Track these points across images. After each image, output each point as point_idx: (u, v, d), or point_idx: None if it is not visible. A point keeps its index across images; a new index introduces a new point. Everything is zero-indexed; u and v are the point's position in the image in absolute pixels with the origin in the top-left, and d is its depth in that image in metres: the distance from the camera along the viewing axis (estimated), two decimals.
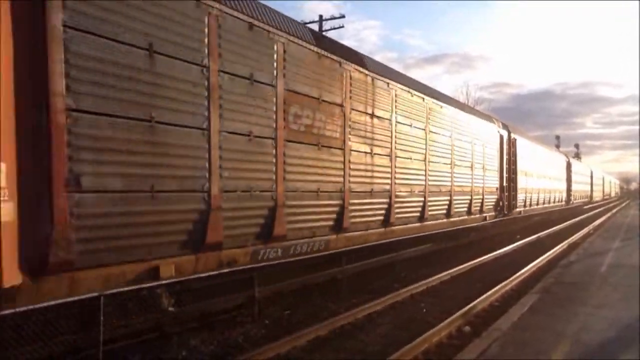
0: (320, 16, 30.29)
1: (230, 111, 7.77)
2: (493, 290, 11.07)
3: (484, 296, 10.46)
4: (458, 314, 9.00)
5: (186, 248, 7.27)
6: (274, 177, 8.69)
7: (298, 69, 9.24)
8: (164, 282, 7.12)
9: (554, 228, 27.71)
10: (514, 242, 20.09)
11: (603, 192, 75.24)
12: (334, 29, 30.07)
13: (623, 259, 15.80)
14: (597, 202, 62.58)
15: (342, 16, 30.31)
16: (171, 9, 6.90)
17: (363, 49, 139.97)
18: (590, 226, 29.83)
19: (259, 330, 8.45)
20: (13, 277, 5.29)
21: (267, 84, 8.54)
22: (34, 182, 5.55)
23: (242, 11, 8.03)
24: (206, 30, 7.41)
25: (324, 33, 29.50)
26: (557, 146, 64.72)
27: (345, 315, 8.96)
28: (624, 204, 76.14)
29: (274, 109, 8.67)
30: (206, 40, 7.41)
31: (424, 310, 10.00)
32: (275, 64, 8.70)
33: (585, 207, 48.81)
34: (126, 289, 6.82)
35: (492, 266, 15.26)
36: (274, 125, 8.67)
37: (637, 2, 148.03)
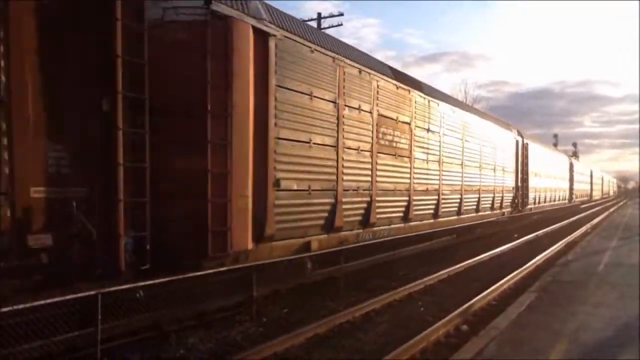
0: (319, 14, 30.27)
1: (348, 133, 10.94)
2: (491, 288, 11.08)
3: (482, 295, 10.47)
4: (456, 312, 9.01)
5: (323, 230, 10.43)
6: (370, 180, 11.83)
7: (385, 99, 12.50)
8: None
9: (554, 226, 28.17)
10: (513, 241, 20.14)
11: (602, 191, 77.69)
12: (333, 27, 30.04)
13: (621, 258, 15.83)
14: (596, 200, 64.18)
15: (341, 14, 30.32)
16: (320, 65, 10.11)
17: (362, 47, 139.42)
18: (589, 225, 29.88)
19: (257, 328, 8.46)
20: (250, 244, 8.50)
21: (368, 112, 11.73)
22: (259, 185, 8.60)
23: (357, 61, 11.44)
24: (337, 78, 10.62)
25: (322, 30, 29.51)
26: (555, 145, 64.89)
27: (344, 314, 8.97)
28: (621, 203, 76.29)
29: (371, 129, 11.85)
30: (337, 84, 10.60)
31: (422, 308, 10.01)
32: (372, 96, 11.91)
33: (584, 205, 49.16)
34: (121, 287, 6.86)
35: (491, 264, 15.30)
36: (371, 142, 11.83)
37: (636, 1, 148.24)
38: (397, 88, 13.07)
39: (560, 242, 20.37)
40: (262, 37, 8.59)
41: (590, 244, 20.01)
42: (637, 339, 7.30)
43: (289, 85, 9.30)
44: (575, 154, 75.43)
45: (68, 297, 6.25)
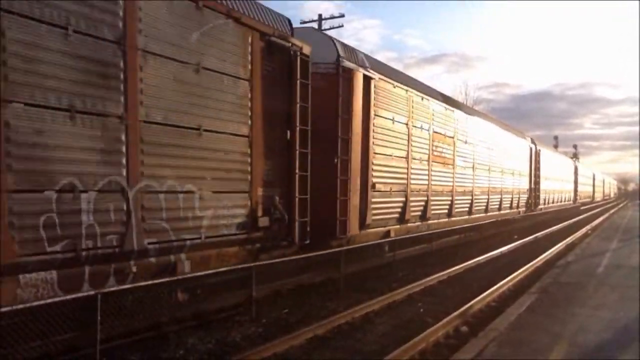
0: (320, 15, 30.29)
1: (414, 147, 14.43)
2: (490, 290, 11.08)
3: (482, 296, 10.47)
4: (455, 313, 9.01)
5: (397, 222, 13.91)
6: (427, 183, 15.32)
7: (437, 118, 16.11)
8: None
9: (557, 226, 28.91)
10: (513, 241, 20.16)
11: (603, 192, 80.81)
12: (333, 28, 30.04)
13: (621, 259, 15.82)
14: (597, 202, 66.78)
15: (342, 15, 30.33)
16: (399, 97, 13.72)
17: (363, 48, 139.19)
18: (589, 226, 29.87)
19: (257, 329, 8.45)
20: (357, 230, 11.94)
21: (427, 130, 15.30)
22: (363, 187, 12.02)
23: (420, 91, 15.03)
24: (408, 105, 14.18)
25: (323, 31, 29.51)
26: (556, 146, 65.03)
27: (343, 315, 8.96)
28: (621, 205, 76.27)
29: (428, 143, 15.40)
30: (408, 110, 14.17)
31: (422, 310, 10.01)
32: (429, 117, 15.48)
33: (586, 207, 49.43)
34: (123, 287, 6.87)
35: (495, 264, 15.31)
36: (428, 153, 15.38)
37: (637, 2, 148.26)
38: (445, 109, 16.92)
39: (561, 244, 20.36)
40: (367, 81, 12.20)
41: (590, 245, 19.99)
42: (637, 341, 7.31)
43: (381, 114, 12.86)
44: (575, 156, 75.60)
45: (68, 297, 6.26)
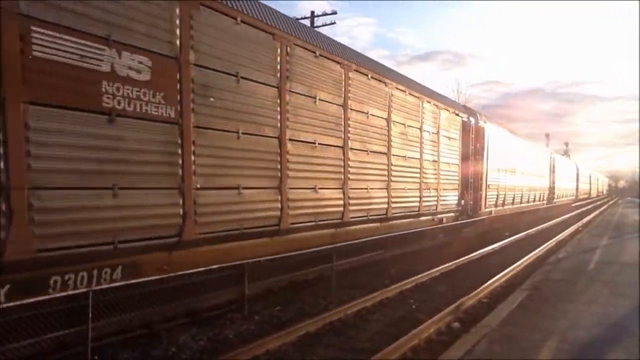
0: (312, 12, 30.19)
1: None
2: (482, 287, 11.11)
3: (473, 293, 10.50)
4: (447, 310, 9.03)
5: (494, 206, 22.02)
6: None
7: (502, 151, 23.69)
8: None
9: (556, 220, 30.14)
10: (504, 238, 20.24)
11: (597, 190, 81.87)
12: (326, 25, 29.97)
13: (611, 256, 15.93)
14: (591, 198, 68.31)
15: (334, 12, 30.29)
16: (490, 133, 21.13)
17: (355, 46, 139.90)
18: (580, 223, 30.03)
19: (249, 326, 8.45)
20: (485, 214, 21.39)
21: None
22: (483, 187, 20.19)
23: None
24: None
25: (316, 29, 29.44)
26: (547, 144, 65.33)
27: (335, 312, 8.97)
28: (612, 202, 76.75)
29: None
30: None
31: (414, 306, 10.04)
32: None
33: (579, 203, 49.97)
34: (113, 285, 6.85)
35: (482, 263, 15.35)
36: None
37: (627, 2, 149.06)
38: (532, 148, 32.06)
39: (552, 240, 20.47)
40: (482, 127, 20.57)
41: (581, 242, 20.12)
42: (627, 337, 7.36)
43: (493, 148, 21.68)
44: (566, 153, 76.08)
45: (59, 294, 6.23)
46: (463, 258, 15.12)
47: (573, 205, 48.26)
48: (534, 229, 25.11)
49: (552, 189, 38.21)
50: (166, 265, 7.66)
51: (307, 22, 29.56)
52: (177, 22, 7.71)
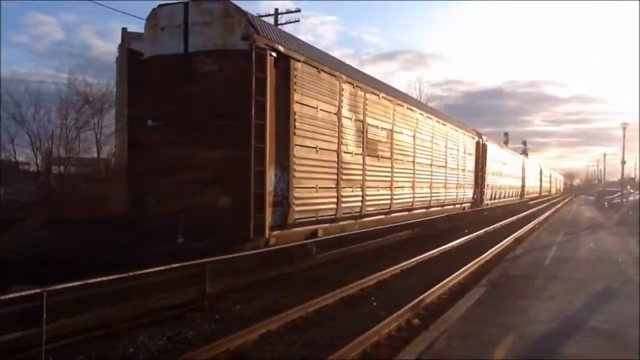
0: (276, 9, 30.12)
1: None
2: (442, 283, 11.27)
3: (433, 289, 10.64)
4: (407, 307, 9.12)
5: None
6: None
7: (495, 159, 33.47)
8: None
9: (518, 215, 32.55)
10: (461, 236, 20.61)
11: (556, 188, 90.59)
12: (290, 22, 29.93)
13: (566, 252, 16.41)
14: (551, 195, 74.96)
15: (298, 10, 30.26)
16: (470, 141, 27.80)
17: (320, 45, 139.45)
18: (536, 221, 30.81)
19: (210, 325, 8.36)
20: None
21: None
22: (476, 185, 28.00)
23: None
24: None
25: (279, 27, 29.34)
26: (506, 143, 66.87)
27: (297, 310, 8.96)
28: (567, 200, 79.00)
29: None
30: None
31: (375, 303, 10.11)
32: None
33: (533, 202, 51.69)
34: (68, 285, 6.70)
35: (443, 258, 15.57)
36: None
37: (583, 2, 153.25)
38: (506, 151, 40.24)
39: (510, 237, 20.91)
40: (485, 144, 29.92)
41: (538, 239, 20.64)
42: (581, 331, 7.58)
43: (489, 158, 30.35)
44: (525, 152, 78.00)
45: (12, 295, 6.08)
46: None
47: (536, 201, 55.85)
48: (503, 222, 25.74)
49: (523, 187, 46.78)
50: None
51: (270, 20, 29.46)
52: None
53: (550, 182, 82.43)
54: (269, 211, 10.70)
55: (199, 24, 10.65)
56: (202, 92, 10.45)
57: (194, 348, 7.03)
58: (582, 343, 7.05)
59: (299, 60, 11.65)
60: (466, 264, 13.70)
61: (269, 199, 10.72)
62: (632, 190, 43.26)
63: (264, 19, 29.17)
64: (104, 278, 7.32)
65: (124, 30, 71.94)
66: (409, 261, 14.21)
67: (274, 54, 10.83)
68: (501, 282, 11.28)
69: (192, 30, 10.64)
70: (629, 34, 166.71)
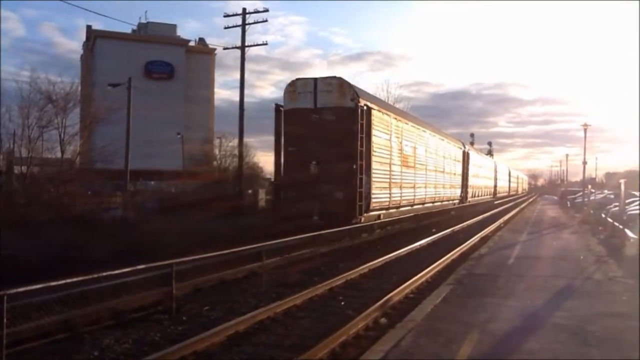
0: (244, 9, 29.87)
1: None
2: (409, 282, 11.38)
3: (400, 288, 10.74)
4: (375, 306, 9.19)
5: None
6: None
7: (477, 165, 44.39)
8: None
9: (487, 213, 33.90)
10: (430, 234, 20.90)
11: (517, 188, 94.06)
12: (257, 22, 29.78)
13: (529, 251, 16.76)
14: (512, 195, 77.67)
15: (266, 10, 30.08)
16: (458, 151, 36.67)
17: (289, 45, 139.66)
18: (501, 220, 31.37)
19: (177, 327, 8.29)
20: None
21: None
22: (462, 185, 37.35)
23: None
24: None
25: (246, 25, 29.23)
26: (472, 143, 68.08)
27: (265, 310, 8.94)
28: (531, 200, 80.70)
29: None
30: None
31: (343, 303, 10.16)
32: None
33: (503, 200, 53.63)
34: (31, 287, 6.57)
35: (413, 257, 15.74)
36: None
37: (545, 1, 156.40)
38: (482, 157, 49.13)
39: (476, 236, 21.24)
40: (467, 152, 38.78)
41: (502, 238, 21.02)
42: (541, 328, 7.76)
43: (470, 163, 38.48)
44: (490, 152, 79.50)
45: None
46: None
47: (504, 200, 61.09)
48: (471, 221, 26.13)
49: (495, 187, 55.80)
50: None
51: (238, 20, 29.33)
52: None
53: (518, 182, 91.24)
54: (363, 202, 18.49)
55: (324, 91, 18.70)
56: (325, 130, 18.31)
57: (161, 350, 6.95)
58: (543, 339, 7.22)
59: (375, 109, 19.93)
60: (434, 263, 13.88)
61: (362, 195, 18.50)
62: (593, 190, 44.35)
63: (231, 17, 29.15)
64: (67, 280, 7.21)
65: (88, 27, 71.33)
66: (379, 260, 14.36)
67: (365, 107, 18.87)
68: (466, 280, 11.46)
69: (319, 95, 18.71)
70: (590, 37, 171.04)
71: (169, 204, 29.15)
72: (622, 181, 22.73)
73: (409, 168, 23.86)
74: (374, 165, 19.36)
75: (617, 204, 23.40)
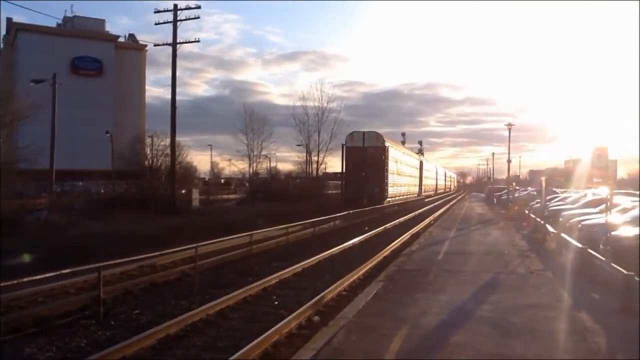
0: (175, 5, 29.22)
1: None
2: (342, 279, 11.53)
3: (333, 286, 10.86)
4: (308, 304, 9.26)
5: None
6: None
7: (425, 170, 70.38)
8: None
9: (411, 214, 33.40)
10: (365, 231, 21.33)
11: (451, 186, 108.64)
12: (189, 19, 29.21)
13: (458, 246, 17.31)
14: (446, 192, 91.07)
15: (198, 7, 29.54)
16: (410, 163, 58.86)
17: (223, 43, 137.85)
18: (431, 217, 32.28)
19: (105, 332, 8.06)
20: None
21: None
22: (419, 185, 64.69)
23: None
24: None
25: (178, 22, 28.67)
26: (403, 142, 70.26)
27: (196, 312, 8.83)
28: (460, 197, 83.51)
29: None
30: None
31: (276, 302, 10.17)
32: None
33: (433, 198, 56.64)
34: None
35: (347, 254, 15.94)
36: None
37: (476, 2, 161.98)
38: (429, 163, 76.61)
39: (407, 233, 21.77)
40: (421, 160, 67.28)
41: (432, 234, 21.61)
42: (470, 320, 8.06)
43: (423, 169, 65.22)
44: (421, 152, 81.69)
45: None
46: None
47: (438, 197, 73.41)
48: (405, 217, 26.70)
49: (436, 185, 74.37)
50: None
51: (169, 16, 28.70)
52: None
53: (451, 180, 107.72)
54: (385, 194, 40.78)
55: (368, 138, 40.78)
56: (369, 158, 39.55)
57: (87, 357, 6.73)
58: (469, 331, 7.50)
59: (391, 147, 43.81)
60: (366, 260, 14.13)
61: (384, 190, 40.83)
62: (517, 187, 46.21)
63: (162, 13, 28.42)
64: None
65: (9, 20, 68.02)
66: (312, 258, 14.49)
67: (387, 146, 41.64)
68: (397, 276, 11.72)
69: (366, 140, 40.62)
70: (515, 39, 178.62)
71: (98, 205, 28.26)
72: (543, 179, 23.78)
73: (399, 176, 47.11)
74: (389, 176, 41.95)
75: (539, 200, 24.45)
